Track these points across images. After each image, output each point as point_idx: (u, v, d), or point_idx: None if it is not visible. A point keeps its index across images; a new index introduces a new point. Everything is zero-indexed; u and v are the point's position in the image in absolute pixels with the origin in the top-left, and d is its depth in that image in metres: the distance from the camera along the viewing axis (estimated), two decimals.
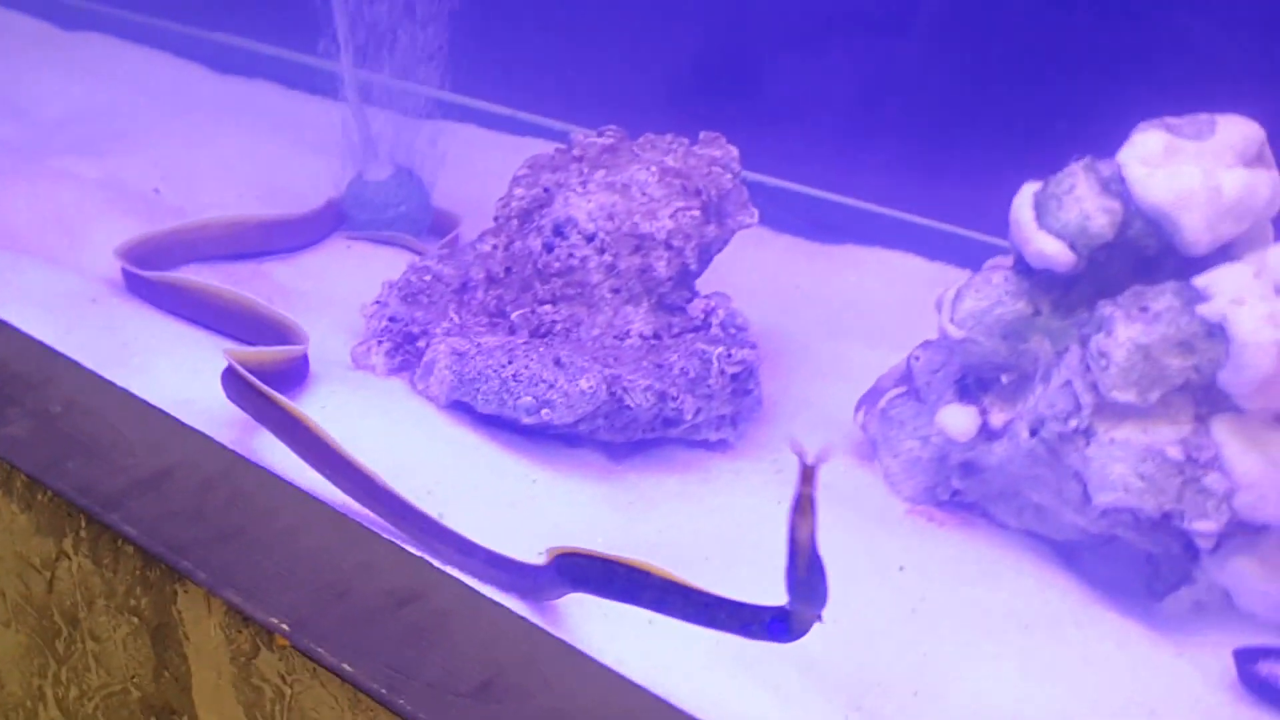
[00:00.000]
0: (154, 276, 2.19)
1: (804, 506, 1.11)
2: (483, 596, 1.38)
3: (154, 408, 1.64)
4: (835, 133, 2.59)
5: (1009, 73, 2.42)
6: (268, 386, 1.77)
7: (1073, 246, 1.73)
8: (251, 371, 1.80)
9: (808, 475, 1.10)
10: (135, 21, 3.30)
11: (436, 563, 1.45)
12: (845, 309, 2.37)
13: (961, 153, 2.48)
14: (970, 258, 2.47)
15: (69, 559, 1.50)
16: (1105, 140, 2.26)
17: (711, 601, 1.29)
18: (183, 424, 1.62)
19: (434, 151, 2.53)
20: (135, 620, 1.46)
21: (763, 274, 2.30)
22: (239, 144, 2.78)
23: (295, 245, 2.44)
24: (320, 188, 2.55)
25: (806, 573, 1.15)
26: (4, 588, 1.61)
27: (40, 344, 1.73)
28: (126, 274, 2.23)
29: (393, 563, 1.42)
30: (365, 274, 2.35)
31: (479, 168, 2.62)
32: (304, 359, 2.00)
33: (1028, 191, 1.78)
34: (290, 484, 1.54)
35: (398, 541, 1.47)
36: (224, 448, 1.58)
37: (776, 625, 1.21)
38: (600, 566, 1.39)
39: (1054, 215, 1.75)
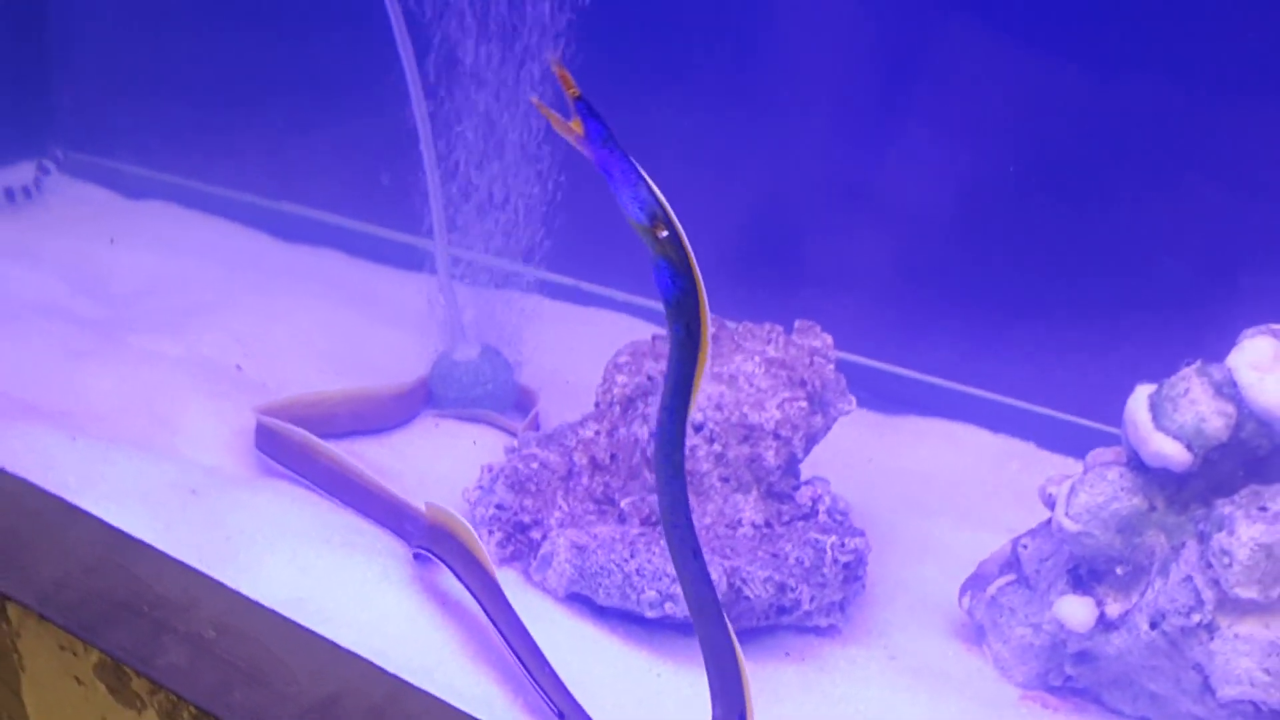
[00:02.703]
0: (298, 436, 2.14)
1: None
2: None
3: (306, 630, 1.55)
4: (896, 307, 2.58)
5: (1070, 255, 2.41)
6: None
7: (1189, 447, 1.70)
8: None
9: None
10: (200, 190, 3.24)
11: None
12: (923, 485, 2.33)
13: (1022, 330, 2.47)
14: (1032, 430, 2.47)
15: None
16: (1167, 324, 2.29)
17: None
18: (339, 647, 1.53)
19: (515, 327, 2.47)
20: None
21: (835, 447, 2.24)
22: (314, 317, 2.70)
23: (389, 423, 2.37)
24: (400, 362, 2.49)
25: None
26: None
27: (180, 563, 1.64)
28: (260, 430, 2.19)
29: None
30: (457, 453, 2.29)
31: (550, 339, 2.58)
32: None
33: (1142, 394, 1.76)
34: (457, 710, 1.45)
35: None
36: (384, 672, 1.50)
37: None
38: None
39: (1169, 417, 1.72)
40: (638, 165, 1.05)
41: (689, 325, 1.09)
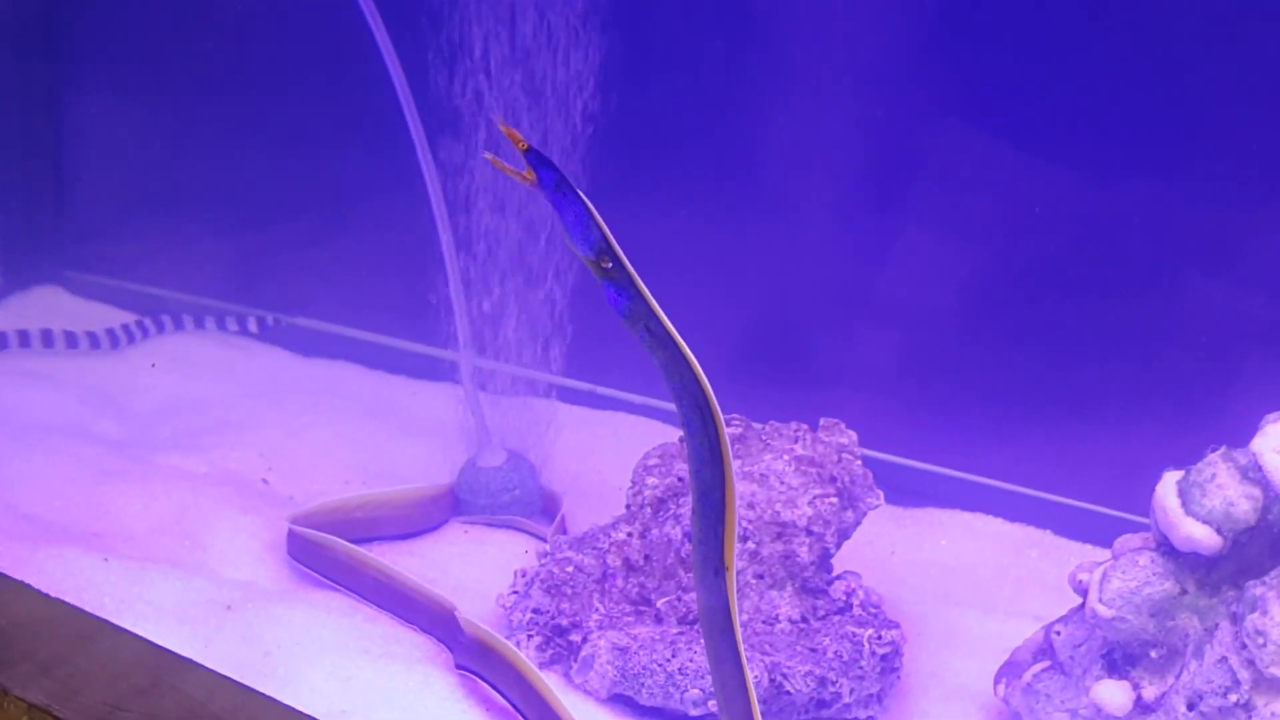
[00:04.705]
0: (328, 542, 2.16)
1: None
2: None
3: None
4: (909, 402, 2.62)
5: (1076, 347, 2.47)
6: None
7: (1219, 531, 1.73)
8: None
9: None
10: (213, 308, 3.26)
11: None
12: (947, 575, 2.36)
13: (1034, 420, 2.51)
14: (1048, 518, 2.50)
15: None
16: (1174, 412, 2.34)
17: None
18: None
19: (534, 432, 2.49)
20: None
21: (858, 541, 2.26)
22: (335, 429, 2.72)
23: (417, 528, 2.39)
24: (424, 471, 2.50)
25: None
26: None
27: (231, 681, 1.64)
28: (292, 538, 2.21)
29: None
30: (488, 560, 2.30)
31: (569, 443, 2.61)
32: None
33: (1170, 480, 1.79)
34: None
35: None
36: None
37: None
38: None
39: (1198, 502, 1.75)
40: (588, 205, 1.12)
41: (649, 326, 1.15)
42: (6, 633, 1.66)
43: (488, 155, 1.16)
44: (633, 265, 1.13)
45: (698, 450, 1.19)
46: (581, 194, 1.12)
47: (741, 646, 1.30)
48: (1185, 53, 2.29)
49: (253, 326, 3.17)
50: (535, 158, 1.11)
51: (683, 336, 1.15)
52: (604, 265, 1.13)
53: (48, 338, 3.04)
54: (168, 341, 3.15)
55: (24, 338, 3.02)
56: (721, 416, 1.18)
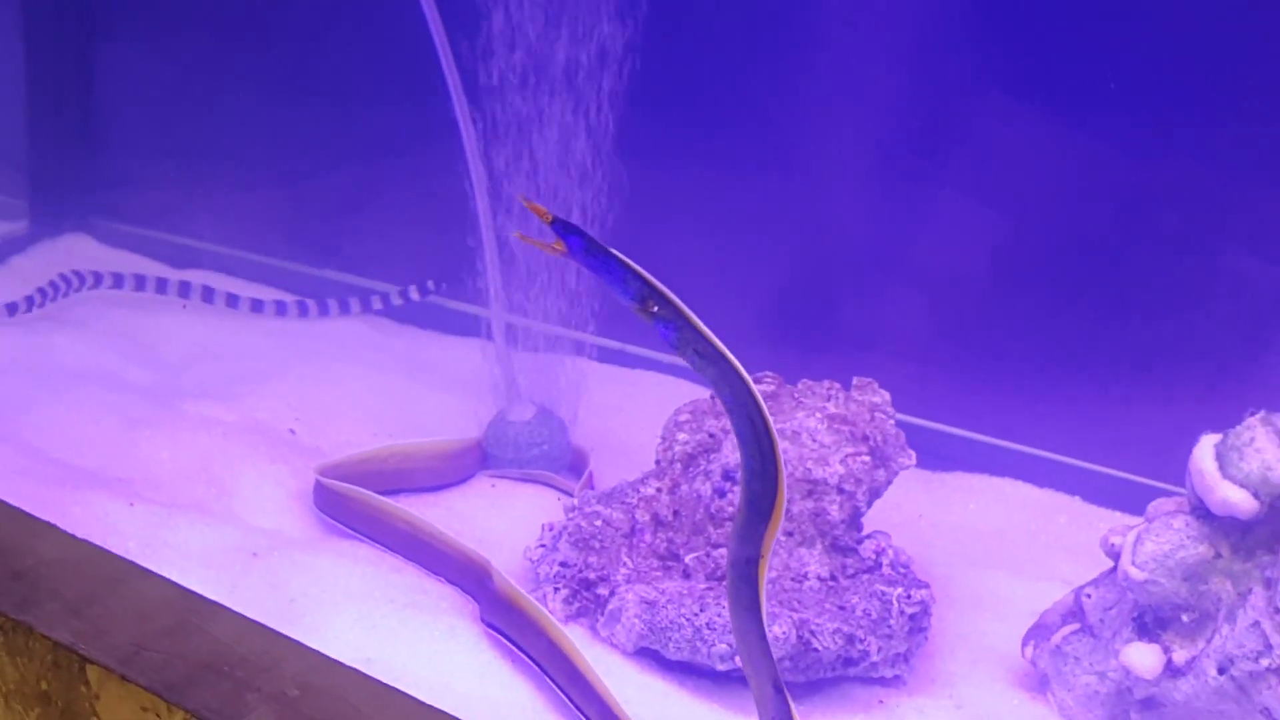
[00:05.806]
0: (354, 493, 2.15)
1: None
2: None
3: (389, 687, 1.54)
4: (938, 366, 2.59)
5: (1107, 314, 2.44)
6: None
7: (1256, 495, 1.71)
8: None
9: None
10: (243, 258, 3.25)
11: None
12: (974, 539, 2.34)
13: (1063, 386, 2.49)
14: (1076, 485, 2.48)
15: None
16: (1204, 381, 2.31)
17: None
18: (421, 703, 1.52)
19: (564, 389, 2.47)
20: None
21: (885, 503, 2.24)
22: (364, 382, 2.71)
23: (444, 481, 2.38)
24: (451, 424, 2.49)
25: None
26: None
27: (259, 624, 1.63)
28: (319, 489, 2.21)
29: None
30: (515, 514, 2.29)
31: (598, 401, 2.58)
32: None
33: (1208, 444, 1.76)
34: None
35: None
36: None
37: None
38: None
39: (1235, 466, 1.73)
40: (621, 259, 1.14)
41: (697, 349, 1.17)
42: (35, 572, 1.65)
43: (516, 234, 1.22)
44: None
45: (749, 463, 1.21)
46: (613, 250, 1.14)
47: (766, 620, 1.31)
48: (1228, 18, 2.25)
49: (414, 294, 3.06)
50: (562, 227, 1.14)
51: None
52: (650, 309, 1.16)
53: None
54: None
55: None
56: (775, 431, 1.19)
